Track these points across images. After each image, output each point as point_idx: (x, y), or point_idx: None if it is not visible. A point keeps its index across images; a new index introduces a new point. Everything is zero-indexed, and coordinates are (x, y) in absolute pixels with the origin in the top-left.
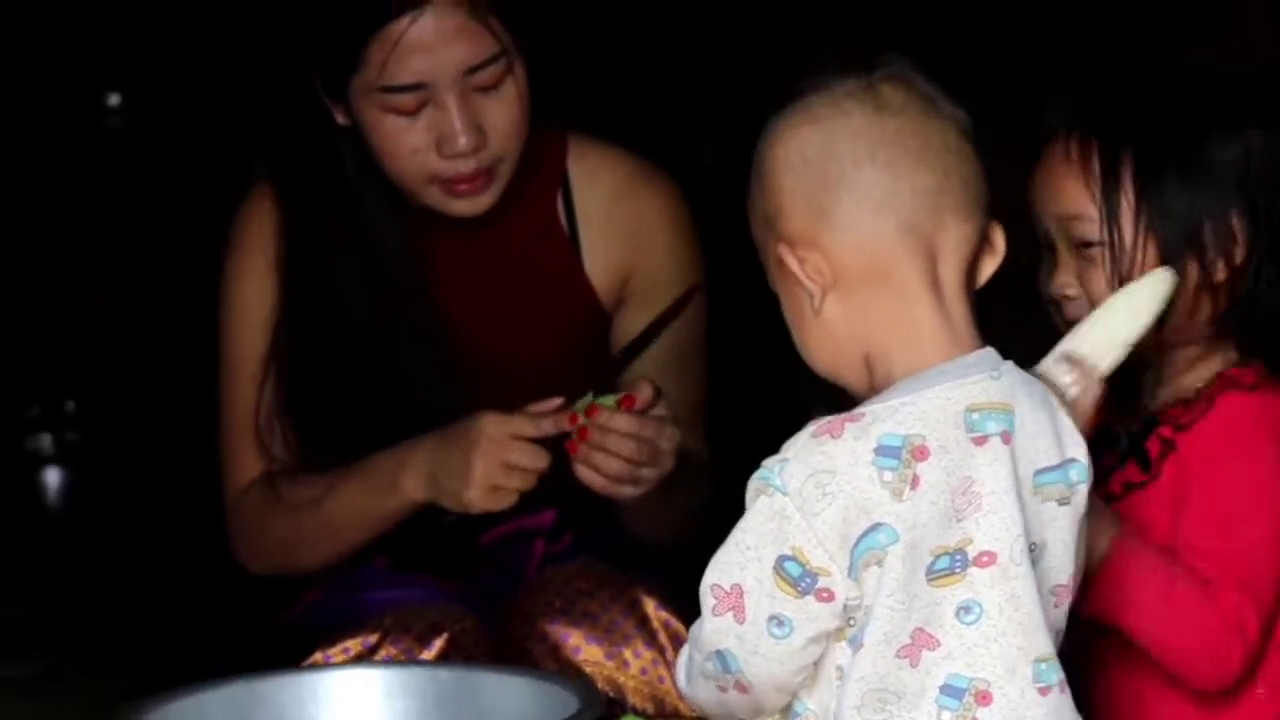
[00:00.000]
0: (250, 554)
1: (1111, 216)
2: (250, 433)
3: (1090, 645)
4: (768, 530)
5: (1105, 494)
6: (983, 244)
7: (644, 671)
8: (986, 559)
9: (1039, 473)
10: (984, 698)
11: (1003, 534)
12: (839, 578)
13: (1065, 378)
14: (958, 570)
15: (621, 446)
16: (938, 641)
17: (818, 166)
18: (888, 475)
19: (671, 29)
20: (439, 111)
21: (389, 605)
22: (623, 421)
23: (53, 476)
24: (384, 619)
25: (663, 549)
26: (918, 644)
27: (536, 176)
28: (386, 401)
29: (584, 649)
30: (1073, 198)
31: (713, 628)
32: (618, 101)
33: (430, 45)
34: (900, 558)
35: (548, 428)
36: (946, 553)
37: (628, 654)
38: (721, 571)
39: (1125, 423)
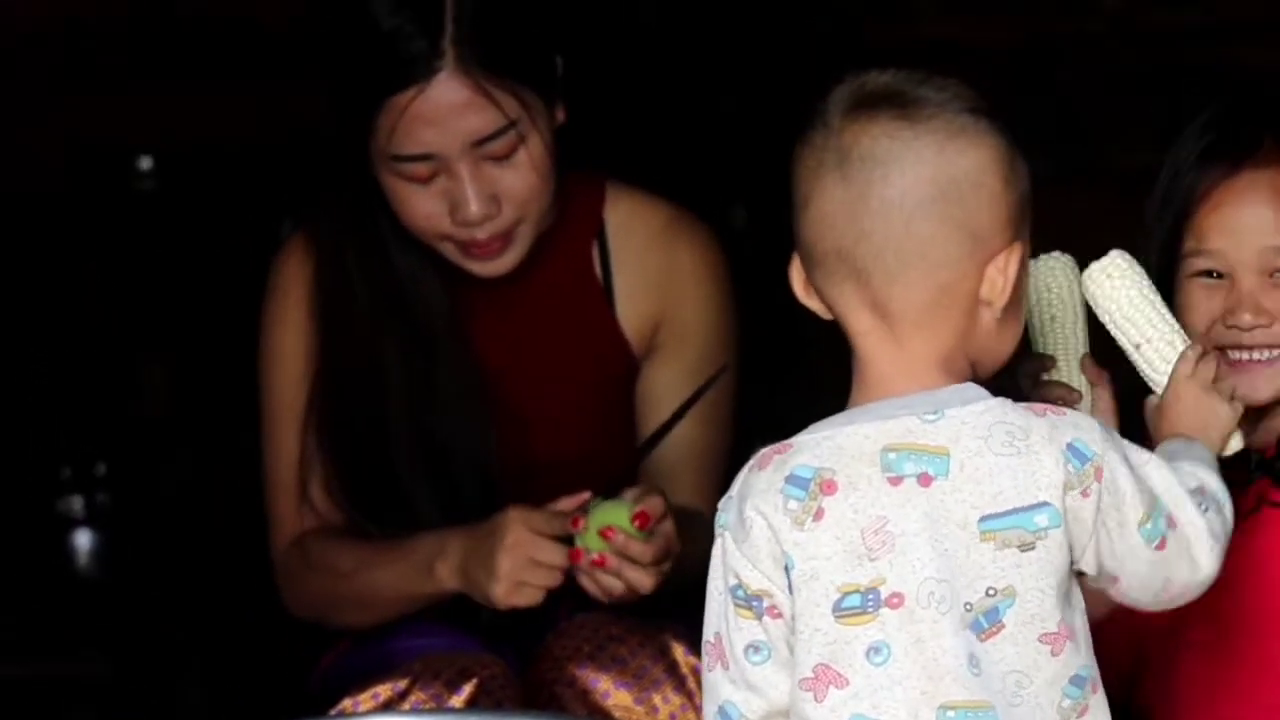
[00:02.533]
0: (295, 606)
1: None
2: (293, 487)
3: (1158, 656)
4: (719, 567)
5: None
6: (972, 281)
7: (673, 717)
8: (896, 600)
9: (986, 518)
10: None
11: (910, 576)
12: (781, 595)
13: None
14: (870, 610)
15: (630, 575)
16: (846, 680)
17: (794, 192)
18: (792, 504)
19: (703, 89)
20: (451, 180)
21: (418, 652)
22: (636, 550)
23: (84, 539)
24: (413, 665)
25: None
26: (822, 680)
27: (572, 224)
28: (421, 453)
29: (613, 694)
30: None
31: (710, 684)
32: (649, 163)
33: (437, 118)
34: (797, 587)
35: (559, 528)
36: (857, 591)
37: (657, 699)
38: (707, 625)
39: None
